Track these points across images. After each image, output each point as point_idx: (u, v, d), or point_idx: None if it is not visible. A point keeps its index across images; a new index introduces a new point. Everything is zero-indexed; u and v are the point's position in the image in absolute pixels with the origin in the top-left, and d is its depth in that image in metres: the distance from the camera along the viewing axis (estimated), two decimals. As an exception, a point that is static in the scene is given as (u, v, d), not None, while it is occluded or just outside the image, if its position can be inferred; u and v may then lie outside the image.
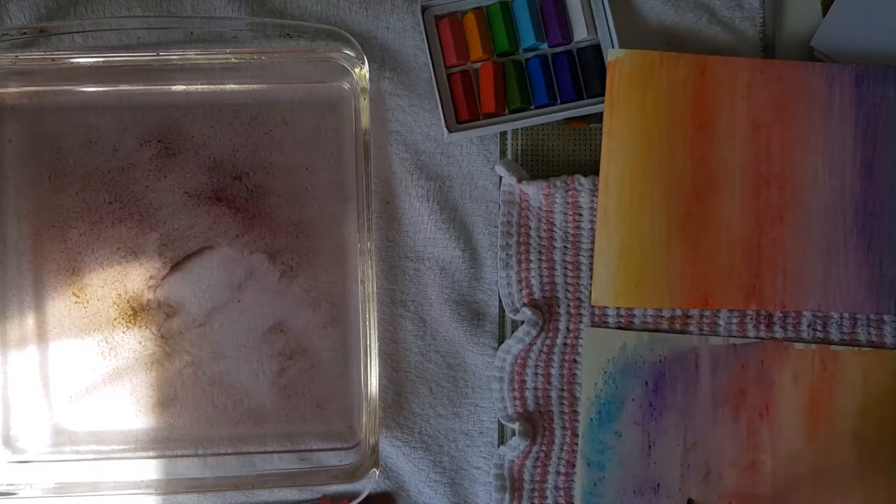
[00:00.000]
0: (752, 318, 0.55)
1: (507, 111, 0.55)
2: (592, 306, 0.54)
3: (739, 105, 0.54)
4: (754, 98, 0.54)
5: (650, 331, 0.54)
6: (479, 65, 0.54)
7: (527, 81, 0.55)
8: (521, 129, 0.56)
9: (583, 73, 0.55)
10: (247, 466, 0.54)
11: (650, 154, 0.53)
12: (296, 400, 0.54)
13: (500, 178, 0.55)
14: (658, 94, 0.53)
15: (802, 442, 0.54)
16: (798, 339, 0.55)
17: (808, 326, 0.55)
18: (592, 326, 0.54)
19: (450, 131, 0.53)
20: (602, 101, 0.54)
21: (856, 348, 0.54)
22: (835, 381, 0.54)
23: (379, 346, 0.53)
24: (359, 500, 0.52)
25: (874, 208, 0.54)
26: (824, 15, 0.56)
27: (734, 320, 0.55)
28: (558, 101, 0.55)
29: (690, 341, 0.54)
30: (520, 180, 0.54)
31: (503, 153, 0.56)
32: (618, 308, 0.54)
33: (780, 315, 0.55)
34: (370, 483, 0.52)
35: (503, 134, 0.56)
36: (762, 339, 0.54)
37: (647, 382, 0.54)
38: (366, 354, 0.52)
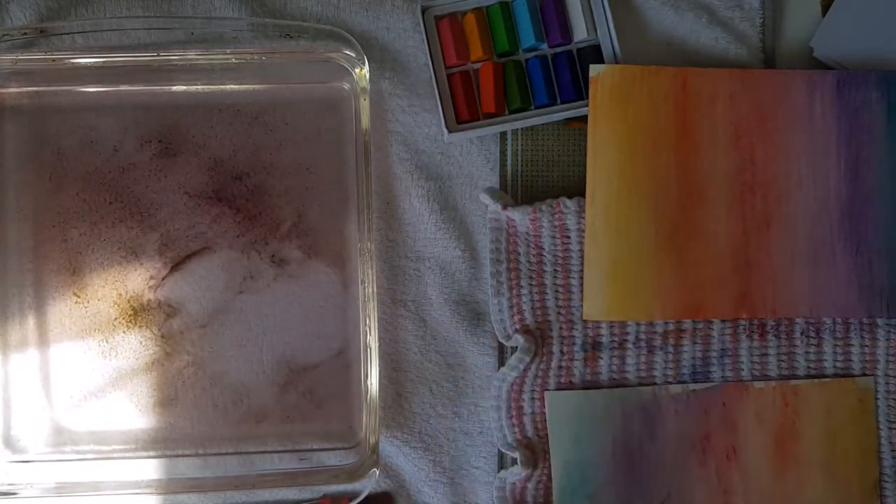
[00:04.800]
0: (744, 329, 0.55)
1: (507, 111, 0.55)
2: (585, 321, 0.54)
3: (721, 116, 0.54)
4: (735, 108, 0.54)
5: (610, 387, 0.54)
6: (479, 65, 0.55)
7: (527, 81, 0.55)
8: (521, 129, 0.56)
9: (583, 74, 0.55)
10: (247, 466, 0.54)
11: (635, 167, 0.53)
12: (296, 400, 0.54)
13: (486, 205, 0.55)
14: (640, 107, 0.53)
15: (772, 479, 0.54)
16: (761, 378, 0.55)
17: (802, 333, 0.55)
18: (556, 389, 0.54)
19: (450, 131, 0.54)
20: None
21: (816, 380, 0.54)
22: (798, 416, 0.54)
23: (379, 346, 0.53)
24: (359, 499, 0.52)
25: (861, 212, 0.54)
26: (824, 15, 0.56)
27: (727, 331, 0.55)
28: (558, 101, 0.55)
29: (651, 392, 0.54)
30: (505, 207, 0.54)
31: (503, 153, 0.56)
32: (611, 325, 0.54)
33: (773, 323, 0.55)
34: (370, 483, 0.52)
35: (503, 134, 0.56)
36: (724, 381, 0.54)
37: (614, 440, 0.53)
38: (366, 354, 0.52)
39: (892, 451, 0.55)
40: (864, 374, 0.54)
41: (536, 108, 0.55)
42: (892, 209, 0.54)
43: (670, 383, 0.54)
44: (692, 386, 0.54)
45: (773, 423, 0.54)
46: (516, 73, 0.54)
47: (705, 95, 0.54)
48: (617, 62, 0.54)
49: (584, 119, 0.55)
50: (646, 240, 0.53)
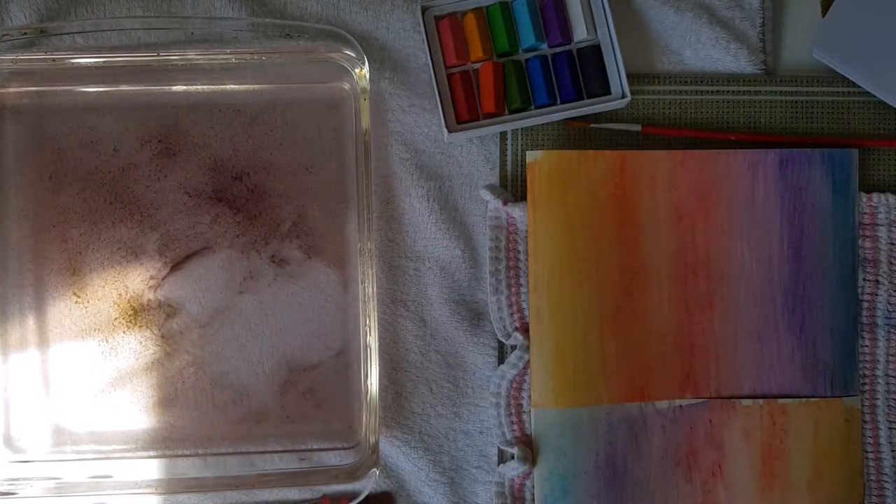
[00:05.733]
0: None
1: (507, 111, 0.55)
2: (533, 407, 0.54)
3: (661, 197, 0.54)
4: (676, 189, 0.54)
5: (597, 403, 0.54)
6: (479, 65, 0.54)
7: (527, 81, 0.55)
8: (521, 129, 0.56)
9: (583, 74, 0.55)
10: (247, 466, 0.54)
11: (576, 251, 0.53)
12: (296, 400, 0.54)
13: (486, 202, 0.55)
14: (579, 192, 0.53)
15: (758, 497, 0.53)
16: (745, 396, 0.54)
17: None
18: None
19: (450, 131, 0.54)
20: (603, 101, 0.54)
21: (804, 400, 0.54)
22: (786, 435, 0.53)
23: (379, 346, 0.53)
24: (359, 499, 0.52)
25: (804, 291, 0.54)
26: (824, 15, 0.56)
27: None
28: (558, 101, 0.55)
29: (637, 407, 0.54)
30: (505, 203, 0.54)
31: (503, 153, 0.56)
32: None
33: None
34: (370, 483, 0.52)
35: (503, 134, 0.56)
36: (709, 398, 0.54)
37: (598, 453, 0.53)
38: (366, 354, 0.53)
39: (892, 451, 0.55)
40: (850, 395, 0.54)
41: (536, 108, 0.55)
42: (837, 287, 0.54)
43: (655, 399, 0.54)
44: (679, 401, 0.54)
45: (760, 441, 0.54)
46: (516, 73, 0.54)
47: (644, 177, 0.54)
48: (617, 62, 0.54)
49: (584, 119, 0.55)
50: (590, 324, 0.53)
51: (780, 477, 0.53)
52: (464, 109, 0.54)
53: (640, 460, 0.53)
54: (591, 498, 0.53)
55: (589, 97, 0.55)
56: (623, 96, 0.54)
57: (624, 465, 0.53)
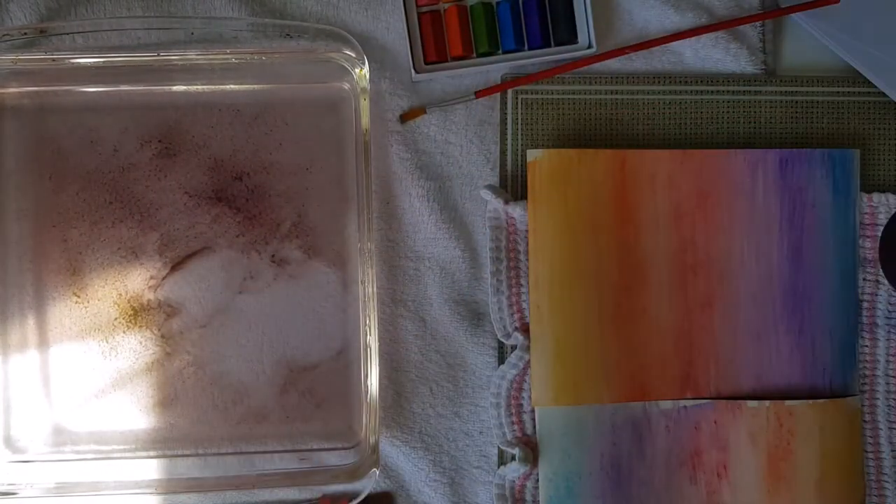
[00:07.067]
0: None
1: (474, 55, 0.55)
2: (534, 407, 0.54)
3: (661, 196, 0.54)
4: (676, 188, 0.54)
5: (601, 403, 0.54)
6: (448, 6, 0.54)
7: (496, 26, 0.55)
8: (522, 129, 0.56)
9: (552, 20, 0.55)
10: (247, 466, 0.54)
11: (576, 249, 0.53)
12: (296, 400, 0.54)
13: (486, 202, 0.55)
14: (579, 190, 0.53)
15: (764, 498, 0.53)
16: (745, 396, 0.54)
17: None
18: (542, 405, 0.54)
19: (417, 72, 0.54)
20: (570, 50, 0.54)
21: (810, 401, 0.53)
22: (792, 436, 0.53)
23: (379, 346, 0.53)
24: (359, 499, 0.52)
25: (804, 291, 0.54)
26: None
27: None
28: (525, 48, 0.55)
29: (641, 408, 0.54)
30: (505, 202, 0.54)
31: (503, 153, 0.56)
32: None
33: None
34: (370, 483, 0.52)
35: (503, 134, 0.56)
36: (710, 398, 0.54)
37: (602, 454, 0.53)
38: (366, 354, 0.52)
39: (892, 451, 0.55)
40: (850, 395, 0.54)
41: (504, 53, 0.55)
42: (836, 287, 0.54)
43: (659, 399, 0.54)
44: (683, 402, 0.54)
45: (766, 442, 0.53)
46: (486, 16, 0.54)
47: (644, 176, 0.54)
48: (586, 11, 0.54)
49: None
50: (591, 322, 0.53)
51: (785, 478, 0.53)
52: (432, 50, 0.54)
53: (645, 461, 0.53)
54: (597, 499, 0.53)
55: (556, 44, 0.55)
56: (589, 46, 0.54)
57: (629, 466, 0.53)
